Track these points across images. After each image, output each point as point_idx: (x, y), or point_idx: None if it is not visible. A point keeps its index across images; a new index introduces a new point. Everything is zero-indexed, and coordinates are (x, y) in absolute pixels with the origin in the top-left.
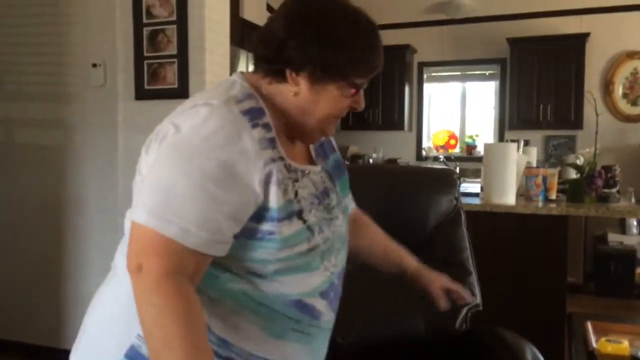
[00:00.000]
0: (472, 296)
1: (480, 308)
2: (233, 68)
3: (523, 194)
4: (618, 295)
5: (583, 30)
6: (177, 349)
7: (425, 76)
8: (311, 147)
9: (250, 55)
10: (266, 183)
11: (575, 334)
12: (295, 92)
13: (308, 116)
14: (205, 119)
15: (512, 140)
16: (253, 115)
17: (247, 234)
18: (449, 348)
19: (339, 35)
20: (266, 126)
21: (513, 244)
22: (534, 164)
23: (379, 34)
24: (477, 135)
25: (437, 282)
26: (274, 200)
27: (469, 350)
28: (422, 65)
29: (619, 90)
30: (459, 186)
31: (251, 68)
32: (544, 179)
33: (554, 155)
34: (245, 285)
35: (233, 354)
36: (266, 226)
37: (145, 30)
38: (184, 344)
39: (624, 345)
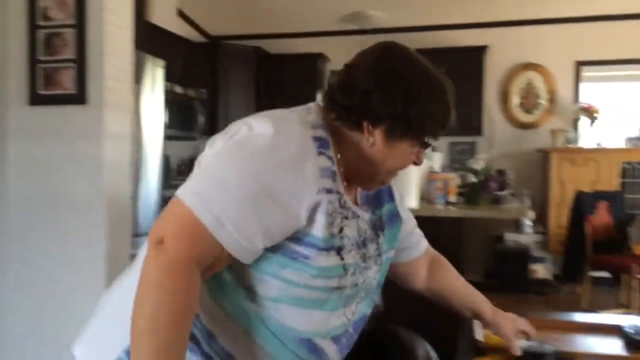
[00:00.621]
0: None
1: (382, 309)
2: (139, 74)
3: (425, 197)
4: (514, 291)
5: (483, 43)
6: (158, 335)
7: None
8: (358, 193)
9: (168, 75)
10: (313, 210)
11: (464, 329)
12: (371, 143)
13: (376, 167)
14: (279, 131)
15: None
16: (321, 144)
17: (282, 251)
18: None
19: (423, 94)
20: (330, 158)
21: None
22: (439, 169)
23: (453, 96)
24: None
25: (510, 325)
26: (319, 229)
27: (369, 350)
28: (334, 73)
29: (515, 100)
30: None
31: (160, 74)
32: (445, 182)
33: (458, 160)
34: (263, 310)
35: None
36: (303, 250)
37: (40, 33)
38: (167, 334)
39: None
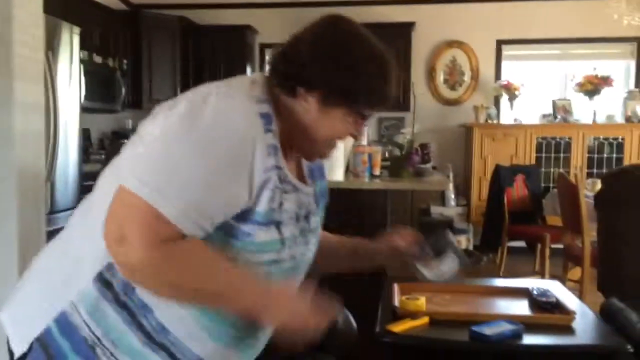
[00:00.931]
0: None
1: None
2: (52, 41)
3: (352, 170)
4: None
5: (409, 19)
6: (218, 280)
7: (267, 57)
8: (304, 166)
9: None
10: (261, 187)
11: (384, 295)
12: (306, 110)
13: (311, 135)
14: (227, 109)
15: None
16: (267, 120)
17: (226, 230)
18: None
19: (358, 64)
20: (274, 133)
21: (341, 217)
22: (365, 143)
23: (396, 71)
24: None
25: (395, 237)
26: (262, 204)
27: None
28: (263, 46)
29: (440, 77)
30: None
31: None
32: (370, 156)
33: (385, 136)
34: None
35: (168, 342)
36: (246, 227)
37: None
38: (218, 277)
39: (421, 302)
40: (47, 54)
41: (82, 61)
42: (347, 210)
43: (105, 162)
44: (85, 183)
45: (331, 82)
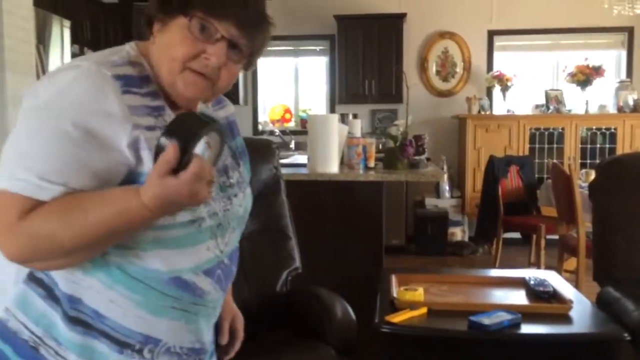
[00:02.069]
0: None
1: (300, 271)
2: (42, 34)
3: (346, 163)
4: (434, 254)
5: (401, 10)
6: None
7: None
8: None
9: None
10: (134, 148)
11: (382, 287)
12: (153, 40)
13: (160, 66)
14: (70, 80)
15: (342, 114)
16: (128, 82)
17: None
18: (271, 310)
19: None
20: (151, 94)
21: (336, 209)
22: (359, 135)
23: None
24: (310, 109)
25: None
26: (148, 165)
27: (288, 310)
28: None
29: (432, 68)
30: (278, 156)
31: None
32: (364, 148)
33: (379, 128)
34: (118, 259)
35: (107, 328)
36: None
37: None
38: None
39: (419, 292)
40: (38, 47)
41: (73, 55)
42: (342, 202)
43: None
44: None
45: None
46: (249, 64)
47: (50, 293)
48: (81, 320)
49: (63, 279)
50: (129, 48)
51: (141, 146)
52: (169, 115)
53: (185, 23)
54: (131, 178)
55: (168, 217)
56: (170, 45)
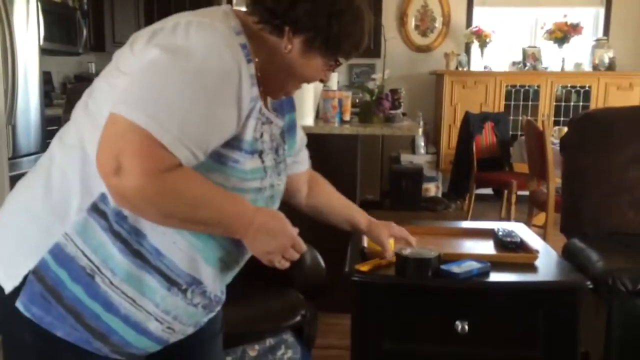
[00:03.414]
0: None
1: None
2: None
3: (321, 116)
4: (408, 209)
5: None
6: (211, 204)
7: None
8: (269, 100)
9: None
10: (248, 116)
11: (353, 237)
12: (288, 50)
13: (287, 74)
14: (214, 40)
15: None
16: (247, 52)
17: (213, 156)
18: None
19: (347, 15)
20: (254, 64)
21: (312, 163)
22: (335, 89)
23: (370, 20)
24: None
25: (385, 232)
26: (249, 133)
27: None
28: None
29: (411, 22)
30: None
31: None
32: (340, 101)
33: (356, 82)
34: None
35: (163, 266)
36: (233, 154)
37: None
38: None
39: (389, 242)
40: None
41: (39, 0)
42: (317, 155)
43: (65, 106)
44: (49, 128)
45: (319, 28)
46: None
47: (111, 226)
48: (142, 254)
49: (133, 214)
50: (232, 13)
51: (253, 115)
52: (257, 88)
53: (327, 62)
54: (232, 143)
55: (243, 182)
56: (304, 66)
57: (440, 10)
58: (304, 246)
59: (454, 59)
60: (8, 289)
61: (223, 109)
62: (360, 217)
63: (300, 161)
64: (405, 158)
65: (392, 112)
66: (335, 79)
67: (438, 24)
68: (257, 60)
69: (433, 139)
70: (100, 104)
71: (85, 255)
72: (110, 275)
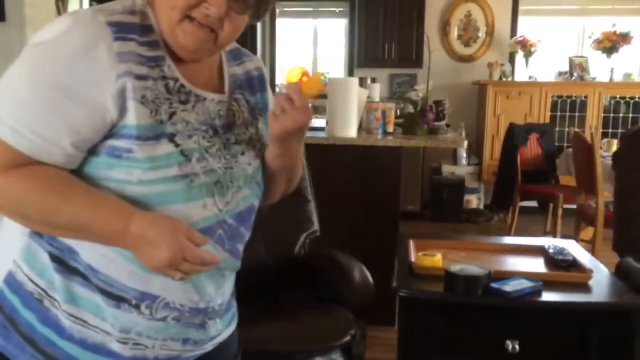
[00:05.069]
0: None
1: (318, 234)
2: None
3: (364, 127)
4: (449, 220)
5: None
6: (74, 203)
7: (277, 11)
8: (226, 76)
9: None
10: (121, 98)
11: (400, 251)
12: None
13: (160, 14)
14: (65, 28)
15: (360, 78)
16: (123, 29)
17: (104, 151)
18: (288, 272)
19: None
20: (150, 44)
21: (354, 174)
22: (378, 100)
23: None
24: (328, 73)
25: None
26: (133, 117)
27: (306, 272)
28: None
29: (454, 32)
30: None
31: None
32: (383, 113)
33: (397, 93)
34: None
35: (101, 282)
36: (122, 143)
37: None
38: (76, 199)
39: (437, 258)
40: (57, 3)
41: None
42: (359, 167)
43: None
44: None
45: None
46: (256, 16)
47: (48, 246)
48: (80, 272)
49: None
50: None
51: (128, 95)
52: (169, 67)
53: None
54: (114, 131)
55: (151, 172)
56: None
57: (484, 19)
58: (208, 256)
59: (498, 68)
60: None
61: (70, 95)
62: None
63: None
64: (447, 169)
65: (436, 123)
66: (377, 89)
67: (481, 34)
68: (158, 30)
69: (475, 150)
70: None
71: (31, 280)
72: (58, 298)
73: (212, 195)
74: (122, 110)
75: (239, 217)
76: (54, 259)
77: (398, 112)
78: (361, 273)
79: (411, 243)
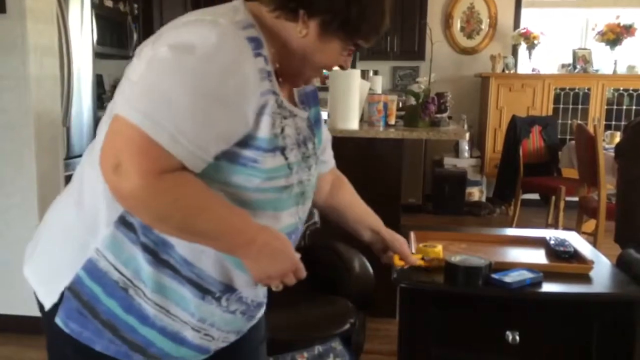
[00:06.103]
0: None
1: (318, 225)
2: None
3: (366, 119)
4: (451, 213)
5: None
6: (208, 213)
7: None
8: (295, 92)
9: None
10: (259, 113)
11: None
12: (304, 34)
13: (305, 61)
14: (213, 37)
15: (363, 70)
16: (256, 45)
17: (231, 158)
18: None
19: None
20: (265, 58)
21: (355, 166)
22: (380, 92)
23: (390, 4)
24: None
25: (404, 241)
26: (264, 130)
27: (307, 263)
28: None
29: (457, 24)
30: None
31: None
32: (385, 105)
33: (400, 85)
34: None
35: (194, 275)
36: (250, 153)
37: None
38: (212, 207)
39: (438, 249)
40: None
41: (93, 5)
42: (361, 159)
43: None
44: None
45: (335, 10)
46: None
47: (139, 238)
48: (171, 265)
49: None
50: (242, 7)
51: (266, 110)
52: (273, 82)
53: (346, 46)
54: (246, 140)
55: (266, 182)
56: (322, 52)
57: (487, 11)
58: (304, 273)
59: (501, 61)
60: (47, 306)
61: (223, 106)
62: (381, 224)
63: (326, 160)
64: (449, 162)
65: (438, 116)
66: (379, 82)
67: (484, 26)
68: (272, 51)
69: (477, 143)
70: (115, 107)
71: (117, 270)
72: (143, 288)
73: (297, 204)
74: (257, 123)
75: (303, 224)
76: (147, 250)
77: (400, 105)
78: (361, 263)
79: (412, 235)
